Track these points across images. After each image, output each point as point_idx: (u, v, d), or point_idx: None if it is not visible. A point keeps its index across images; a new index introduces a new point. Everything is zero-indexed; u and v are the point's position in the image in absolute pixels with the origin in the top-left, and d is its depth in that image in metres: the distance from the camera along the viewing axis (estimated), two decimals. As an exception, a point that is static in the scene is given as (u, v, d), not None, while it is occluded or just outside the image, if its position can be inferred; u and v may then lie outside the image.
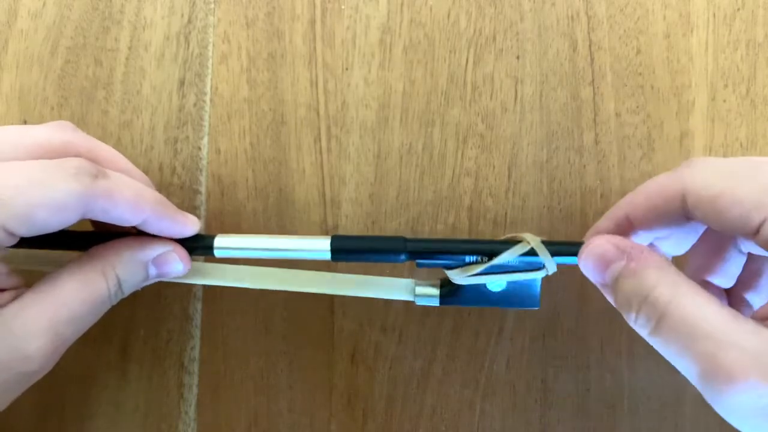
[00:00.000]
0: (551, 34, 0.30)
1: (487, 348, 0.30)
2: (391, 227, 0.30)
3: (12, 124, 0.31)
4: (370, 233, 0.30)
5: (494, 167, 0.30)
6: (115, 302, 0.24)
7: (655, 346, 0.21)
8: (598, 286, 0.23)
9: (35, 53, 0.31)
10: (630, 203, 0.24)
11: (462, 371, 0.30)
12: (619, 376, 0.29)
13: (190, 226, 0.25)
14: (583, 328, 0.29)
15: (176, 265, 0.25)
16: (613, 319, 0.29)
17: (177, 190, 0.30)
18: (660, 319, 0.20)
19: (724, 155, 0.29)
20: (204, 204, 0.31)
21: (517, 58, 0.30)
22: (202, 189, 0.31)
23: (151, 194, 0.24)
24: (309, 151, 0.30)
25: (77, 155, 0.24)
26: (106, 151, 0.26)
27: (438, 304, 0.27)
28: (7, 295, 0.22)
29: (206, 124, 0.31)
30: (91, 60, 0.31)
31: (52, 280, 0.23)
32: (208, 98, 0.31)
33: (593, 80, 0.30)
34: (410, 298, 0.27)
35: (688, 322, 0.19)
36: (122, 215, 0.23)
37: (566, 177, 0.29)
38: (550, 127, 0.30)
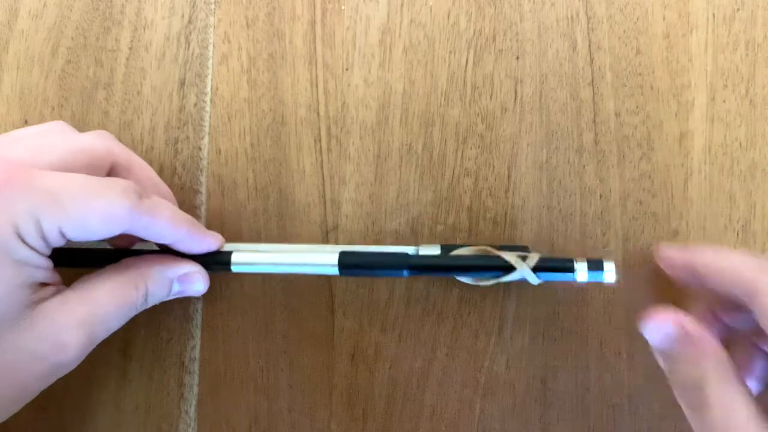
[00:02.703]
0: (551, 35, 0.30)
1: (486, 348, 0.30)
2: (391, 227, 0.30)
3: (13, 124, 0.31)
4: (370, 233, 0.30)
5: (494, 167, 0.30)
6: (139, 311, 0.26)
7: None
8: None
9: (36, 54, 0.31)
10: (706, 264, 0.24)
11: (462, 371, 0.30)
12: (618, 375, 0.29)
13: (216, 242, 0.28)
14: (583, 328, 0.29)
15: (198, 284, 0.28)
16: (613, 318, 0.29)
17: (177, 190, 0.30)
18: (698, 410, 0.22)
19: (724, 155, 0.29)
20: (204, 204, 0.31)
21: (517, 58, 0.30)
22: (203, 189, 0.31)
23: (184, 216, 0.26)
24: (309, 152, 0.30)
25: (116, 161, 0.26)
26: (139, 161, 0.28)
27: (439, 252, 0.28)
28: (50, 290, 0.24)
29: (206, 124, 0.31)
30: (91, 60, 0.31)
31: (89, 282, 0.25)
32: (208, 98, 0.31)
33: (593, 80, 0.30)
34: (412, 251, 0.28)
35: (718, 426, 0.21)
36: (161, 232, 0.25)
37: (566, 177, 0.29)
38: (549, 127, 0.30)
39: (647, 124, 0.29)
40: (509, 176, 0.30)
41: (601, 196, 0.29)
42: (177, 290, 0.28)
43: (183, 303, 0.30)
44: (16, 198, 0.21)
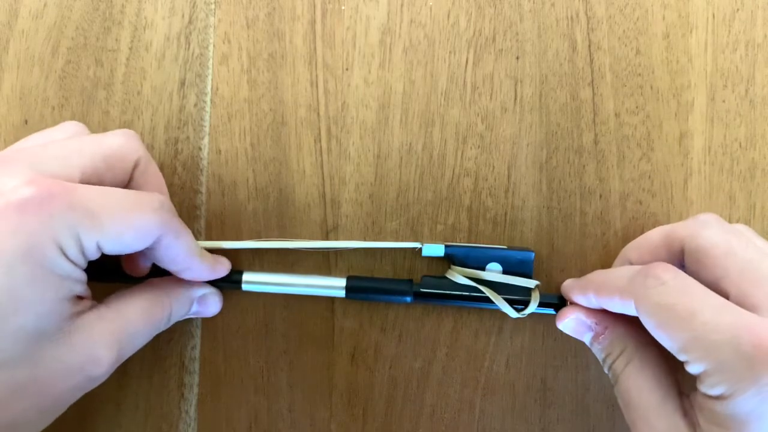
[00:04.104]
0: (551, 35, 0.30)
1: (486, 348, 0.30)
2: (391, 227, 0.30)
3: (13, 124, 0.31)
4: (370, 233, 0.30)
5: (494, 167, 0.30)
6: (162, 330, 0.27)
7: None
8: None
9: (36, 54, 0.31)
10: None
11: (462, 371, 0.30)
12: (618, 375, 0.29)
13: (224, 270, 0.28)
14: (583, 327, 0.29)
15: (214, 306, 0.29)
16: (613, 318, 0.29)
17: (177, 190, 0.30)
18: (615, 383, 0.26)
19: (724, 155, 0.29)
20: (204, 204, 0.31)
21: (517, 58, 0.30)
22: (203, 189, 0.31)
23: (199, 247, 0.27)
24: (309, 152, 0.30)
25: (137, 164, 0.27)
26: (154, 169, 0.28)
27: (442, 254, 0.29)
28: (86, 303, 0.24)
29: (207, 124, 0.31)
30: (91, 60, 0.31)
31: (122, 299, 0.26)
32: (208, 99, 0.31)
33: (593, 81, 0.30)
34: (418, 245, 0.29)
35: (627, 394, 0.25)
36: (177, 255, 0.26)
37: (565, 177, 0.30)
38: (549, 127, 0.30)
39: (647, 124, 0.29)
40: (509, 176, 0.30)
41: (601, 196, 0.29)
42: (194, 310, 0.29)
43: (183, 303, 0.30)
44: (58, 215, 0.22)
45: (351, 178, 0.30)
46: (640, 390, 0.24)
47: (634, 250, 0.28)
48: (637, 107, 0.29)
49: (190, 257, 0.26)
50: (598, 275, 0.27)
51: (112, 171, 0.25)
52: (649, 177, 0.29)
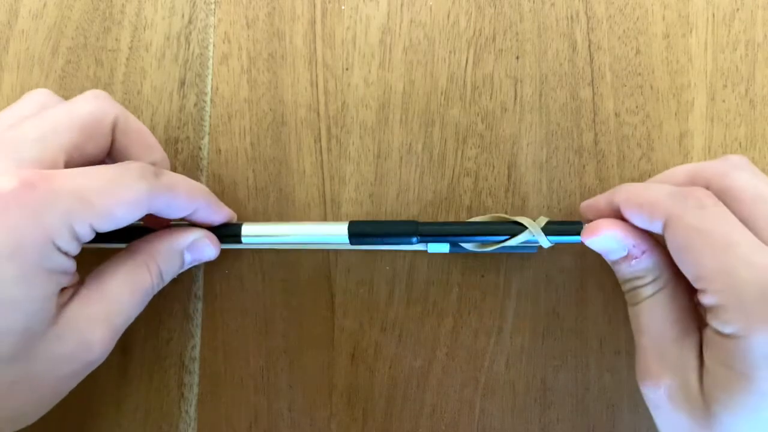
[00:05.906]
0: (551, 35, 0.30)
1: (486, 347, 0.30)
2: (391, 227, 0.30)
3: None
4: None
5: (494, 167, 0.30)
6: (157, 291, 0.27)
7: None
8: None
9: (36, 53, 0.31)
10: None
11: (462, 371, 0.30)
12: (618, 375, 0.29)
13: (229, 212, 0.28)
14: (583, 327, 0.29)
15: (208, 249, 0.28)
16: (613, 318, 0.29)
17: (177, 190, 0.30)
18: (634, 304, 0.25)
19: (724, 155, 0.29)
20: (204, 204, 0.31)
21: (517, 58, 0.30)
22: (203, 189, 0.31)
23: (199, 186, 0.27)
24: (309, 151, 0.30)
25: (115, 125, 0.26)
26: (135, 123, 0.27)
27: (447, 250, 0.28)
28: (68, 293, 0.24)
29: (207, 124, 0.31)
30: (91, 60, 0.31)
31: (102, 276, 0.25)
32: (208, 98, 0.31)
33: (592, 80, 0.30)
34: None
35: (647, 319, 0.24)
36: (180, 206, 0.25)
37: (565, 177, 0.30)
38: (549, 127, 0.30)
39: (647, 124, 0.29)
40: (509, 176, 0.30)
41: (600, 196, 0.29)
42: (190, 260, 0.28)
43: (183, 303, 0.30)
44: (45, 205, 0.21)
45: (351, 177, 0.30)
46: (663, 320, 0.23)
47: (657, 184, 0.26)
48: (637, 107, 0.29)
49: (193, 199, 0.26)
50: (630, 186, 0.25)
51: (92, 140, 0.25)
52: (649, 177, 0.29)
